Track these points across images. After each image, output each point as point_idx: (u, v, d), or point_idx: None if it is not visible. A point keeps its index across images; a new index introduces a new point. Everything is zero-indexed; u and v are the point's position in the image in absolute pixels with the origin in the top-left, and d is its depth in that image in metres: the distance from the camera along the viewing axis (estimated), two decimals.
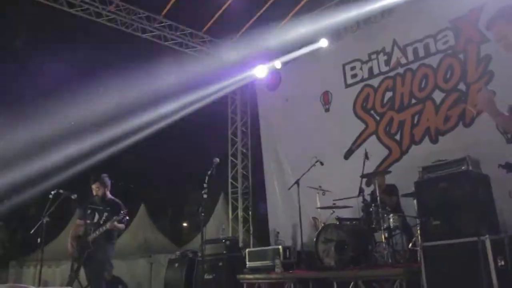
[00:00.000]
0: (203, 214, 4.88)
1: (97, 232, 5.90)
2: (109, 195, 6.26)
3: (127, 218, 6.16)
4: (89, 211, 6.11)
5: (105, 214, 6.02)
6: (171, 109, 10.50)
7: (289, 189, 8.44)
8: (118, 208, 6.03)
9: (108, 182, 6.29)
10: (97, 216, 6.12)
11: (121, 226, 6.09)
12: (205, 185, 4.90)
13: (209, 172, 4.99)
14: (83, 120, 9.55)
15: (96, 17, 9.52)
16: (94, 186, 6.17)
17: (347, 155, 9.11)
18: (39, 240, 6.19)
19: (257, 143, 11.23)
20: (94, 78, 9.43)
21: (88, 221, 6.04)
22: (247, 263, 8.23)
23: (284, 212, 9.91)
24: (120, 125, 10.32)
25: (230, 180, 11.52)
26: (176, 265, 8.37)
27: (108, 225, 5.85)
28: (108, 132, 10.18)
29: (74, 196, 6.16)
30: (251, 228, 11.09)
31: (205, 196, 4.91)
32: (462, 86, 7.57)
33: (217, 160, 5.19)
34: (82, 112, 9.36)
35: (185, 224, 24.54)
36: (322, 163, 7.65)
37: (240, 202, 11.29)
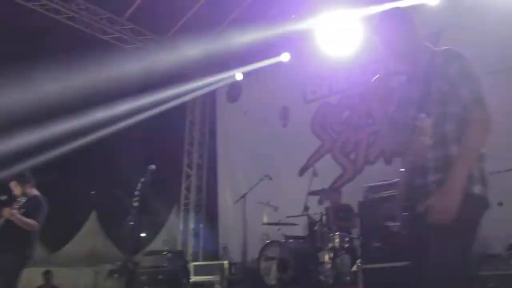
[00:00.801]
0: (131, 223, 4.55)
1: None
2: (32, 192, 5.42)
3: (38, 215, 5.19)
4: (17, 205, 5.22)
5: (22, 211, 5.13)
6: (128, 112, 10.16)
7: (236, 202, 8.22)
8: (35, 203, 5.24)
9: (27, 178, 5.50)
10: None
11: (29, 221, 5.02)
12: (136, 193, 4.57)
13: (142, 180, 4.66)
14: (30, 116, 9.07)
15: (54, 14, 9.20)
16: (12, 185, 5.58)
17: (301, 172, 8.95)
18: None
19: (214, 155, 10.99)
20: (44, 75, 8.99)
21: None
22: (192, 277, 7.95)
23: (236, 227, 9.66)
24: (71, 124, 9.85)
25: (183, 191, 11.21)
26: (116, 276, 8.03)
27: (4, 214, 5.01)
28: (57, 130, 9.68)
29: (3, 198, 5.68)
30: (201, 241, 10.77)
31: (135, 204, 4.57)
32: None
33: (153, 167, 4.84)
34: (30, 107, 8.89)
35: (143, 234, 23.95)
36: (270, 178, 7.45)
37: (192, 214, 10.99)
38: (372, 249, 5.11)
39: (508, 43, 6.34)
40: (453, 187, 2.12)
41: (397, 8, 2.58)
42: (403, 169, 2.34)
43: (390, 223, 2.35)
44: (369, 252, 5.13)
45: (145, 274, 7.56)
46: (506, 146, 5.49)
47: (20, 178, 5.52)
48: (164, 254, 7.70)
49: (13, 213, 4.98)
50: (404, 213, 2.30)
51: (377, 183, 5.52)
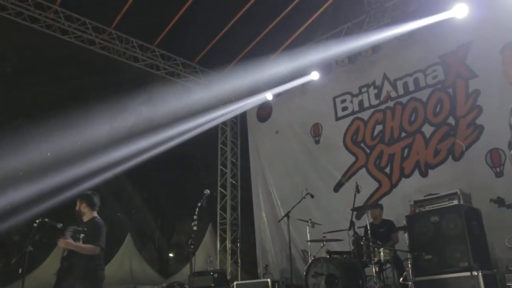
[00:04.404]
0: (192, 246, 4.73)
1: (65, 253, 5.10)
2: (92, 214, 5.36)
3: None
4: (70, 233, 5.14)
5: (82, 235, 5.10)
6: (161, 139, 10.41)
7: (279, 221, 8.34)
8: (93, 227, 5.17)
9: (95, 202, 5.37)
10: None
11: (88, 246, 4.99)
12: (195, 217, 4.75)
13: (199, 204, 4.84)
14: (72, 148, 9.40)
15: (89, 44, 9.55)
16: (81, 207, 5.29)
17: (336, 188, 9.06)
18: (20, 270, 5.78)
19: (247, 175, 11.15)
20: (85, 105, 9.35)
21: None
22: None
23: (273, 245, 9.80)
24: (109, 153, 10.18)
25: (219, 211, 11.39)
26: None
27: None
28: (97, 160, 10.02)
29: (59, 225, 5.84)
30: (239, 260, 10.91)
31: (195, 228, 4.76)
32: (451, 120, 7.63)
33: (208, 192, 5.05)
34: (72, 139, 9.22)
35: (171, 255, 24.11)
36: (312, 196, 7.57)
37: (228, 233, 11.14)
38: (422, 262, 5.20)
39: None
40: None
41: None
42: None
43: None
44: (420, 265, 5.22)
45: None
46: None
47: (90, 201, 5.54)
48: (211, 275, 7.82)
49: (68, 242, 4.93)
50: None
51: (423, 197, 5.63)
